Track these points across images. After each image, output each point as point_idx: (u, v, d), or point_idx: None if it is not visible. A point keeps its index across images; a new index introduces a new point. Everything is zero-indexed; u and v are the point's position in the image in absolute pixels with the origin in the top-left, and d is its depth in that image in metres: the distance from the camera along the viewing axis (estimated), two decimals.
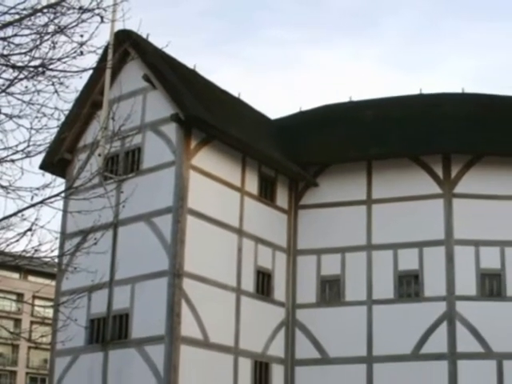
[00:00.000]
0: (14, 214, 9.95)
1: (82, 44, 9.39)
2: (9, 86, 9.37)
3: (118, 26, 19.04)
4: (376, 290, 22.32)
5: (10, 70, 9.40)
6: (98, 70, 18.77)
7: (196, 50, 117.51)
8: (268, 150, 22.89)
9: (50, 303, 20.45)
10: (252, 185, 22.43)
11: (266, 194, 23.04)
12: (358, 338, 22.08)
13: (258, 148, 22.33)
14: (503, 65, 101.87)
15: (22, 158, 9.69)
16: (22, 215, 9.96)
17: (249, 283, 21.73)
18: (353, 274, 22.70)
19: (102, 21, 9.44)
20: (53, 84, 9.50)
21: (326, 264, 22.98)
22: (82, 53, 9.40)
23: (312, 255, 23.15)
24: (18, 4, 9.17)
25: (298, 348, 22.65)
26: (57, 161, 22.05)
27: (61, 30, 9.34)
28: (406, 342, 21.57)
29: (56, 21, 9.33)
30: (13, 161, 9.69)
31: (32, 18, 9.28)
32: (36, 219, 9.96)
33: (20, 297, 58.13)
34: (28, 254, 10.12)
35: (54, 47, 9.34)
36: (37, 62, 9.36)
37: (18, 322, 65.68)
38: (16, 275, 67.10)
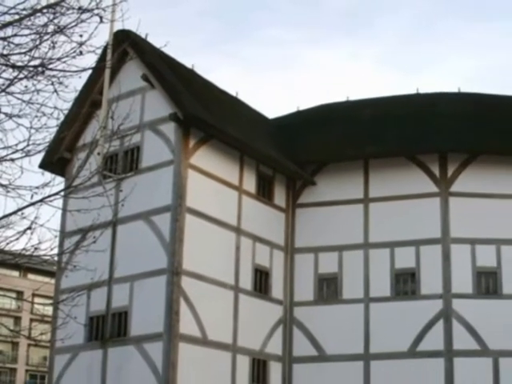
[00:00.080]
0: (14, 213, 10.02)
1: (81, 44, 9.46)
2: (9, 86, 9.43)
3: (117, 26, 19.22)
4: (373, 288, 22.39)
5: (10, 70, 9.46)
6: (97, 69, 18.81)
7: (194, 50, 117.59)
8: (266, 149, 22.94)
9: (50, 301, 20.46)
10: (250, 183, 22.49)
11: (264, 193, 23.11)
12: (355, 336, 22.14)
13: (255, 147, 22.39)
14: (502, 65, 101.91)
15: (21, 157, 9.77)
16: (22, 214, 10.04)
17: (247, 281, 21.78)
18: (350, 272, 22.76)
19: (101, 21, 9.52)
20: (52, 83, 9.57)
21: (324, 262, 23.04)
22: (81, 53, 9.46)
23: (309, 253, 23.21)
24: (18, 4, 9.25)
25: (295, 345, 22.71)
26: (56, 160, 22.03)
27: (60, 30, 9.40)
28: (402, 339, 21.63)
29: (55, 21, 9.39)
30: (12, 160, 9.75)
31: (32, 18, 9.33)
32: (35, 218, 10.06)
33: (20, 295, 58.19)
34: (28, 253, 10.19)
35: (54, 47, 9.40)
36: (36, 62, 9.42)
37: (17, 319, 65.72)
38: (16, 273, 67.04)
